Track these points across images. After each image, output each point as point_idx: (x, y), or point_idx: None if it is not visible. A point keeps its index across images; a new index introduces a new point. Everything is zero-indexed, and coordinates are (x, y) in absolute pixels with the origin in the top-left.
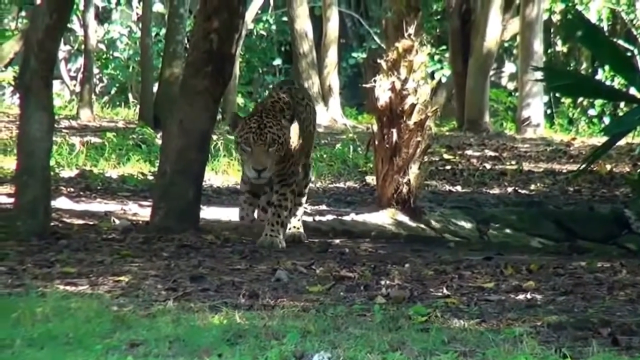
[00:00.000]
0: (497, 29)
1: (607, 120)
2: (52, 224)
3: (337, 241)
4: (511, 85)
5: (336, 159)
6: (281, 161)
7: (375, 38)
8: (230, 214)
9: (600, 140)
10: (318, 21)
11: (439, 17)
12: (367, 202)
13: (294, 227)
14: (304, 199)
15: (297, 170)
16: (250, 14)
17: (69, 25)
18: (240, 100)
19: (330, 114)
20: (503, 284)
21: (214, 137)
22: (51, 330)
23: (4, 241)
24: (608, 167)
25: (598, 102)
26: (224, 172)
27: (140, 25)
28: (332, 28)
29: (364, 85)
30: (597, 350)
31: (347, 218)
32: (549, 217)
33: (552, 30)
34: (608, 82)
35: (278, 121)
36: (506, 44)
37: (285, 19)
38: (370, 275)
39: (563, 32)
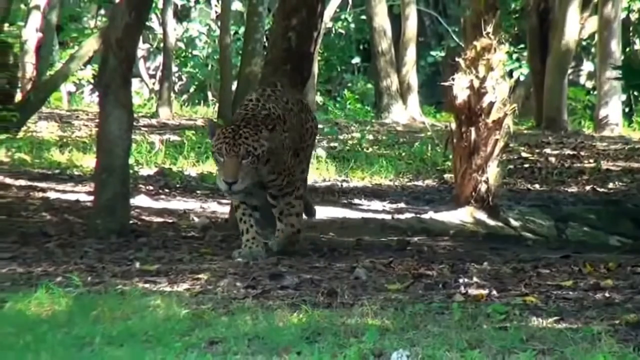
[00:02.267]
0: (575, 27)
1: None
2: (131, 221)
3: (416, 239)
4: (589, 84)
5: (415, 157)
6: (271, 172)
7: (454, 36)
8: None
9: None
10: (397, 19)
11: (517, 15)
12: (446, 201)
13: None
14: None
15: (294, 179)
16: (329, 12)
17: (147, 23)
18: (319, 98)
19: (408, 112)
20: (581, 282)
21: None
22: (130, 328)
23: (83, 239)
24: None
25: None
26: None
27: (219, 23)
28: (411, 26)
29: (442, 84)
30: None
31: (425, 216)
32: (627, 215)
33: (630, 29)
34: None
35: (257, 131)
36: (584, 43)
37: (364, 17)
38: (448, 273)
39: None
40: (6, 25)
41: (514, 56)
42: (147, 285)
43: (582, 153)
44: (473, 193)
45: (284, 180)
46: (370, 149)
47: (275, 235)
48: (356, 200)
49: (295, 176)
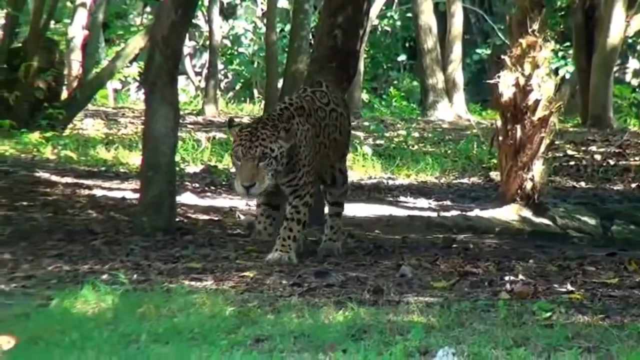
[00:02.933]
0: (620, 25)
1: None
2: (177, 219)
3: (462, 237)
4: (635, 81)
5: (460, 155)
6: (290, 171)
7: (500, 34)
8: (355, 209)
9: None
10: (442, 17)
11: (562, 13)
12: (491, 198)
13: (329, 238)
14: (341, 209)
15: (309, 181)
16: (374, 9)
17: (194, 21)
18: (364, 96)
19: (454, 110)
20: (627, 280)
21: None
22: (176, 326)
23: (129, 236)
24: None
25: None
26: (348, 167)
27: (265, 21)
28: (457, 24)
29: (488, 81)
30: None
31: (471, 214)
32: None
33: None
34: None
35: (274, 132)
36: (630, 40)
37: (409, 14)
38: (494, 271)
39: None
40: (52, 22)
41: (560, 54)
42: (193, 283)
43: (628, 151)
44: (519, 191)
45: (300, 180)
46: (416, 147)
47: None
48: (402, 198)
49: (309, 178)
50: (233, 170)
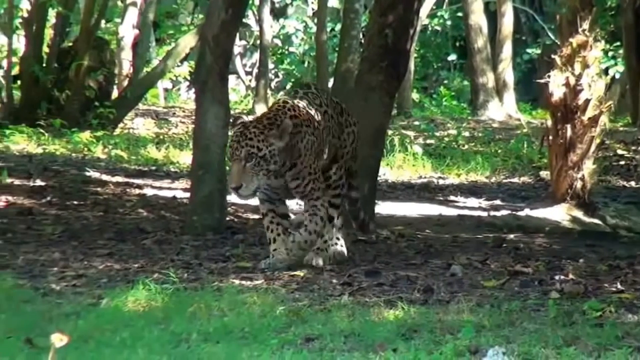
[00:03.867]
0: None
1: None
2: (227, 218)
3: (512, 236)
4: None
5: (511, 154)
6: (295, 177)
7: (550, 34)
8: (405, 209)
9: None
10: (492, 17)
11: (613, 12)
12: (542, 198)
13: (317, 247)
14: (336, 213)
15: (318, 187)
16: (425, 9)
17: (244, 20)
18: (415, 95)
19: (504, 109)
20: None
21: (389, 132)
22: (227, 325)
23: (180, 235)
24: None
25: None
26: (399, 167)
27: (315, 20)
28: (507, 23)
29: (538, 81)
30: None
31: (521, 213)
32: None
33: None
34: None
35: (262, 131)
36: None
37: (460, 14)
38: (544, 270)
39: None
40: (103, 21)
41: (610, 53)
42: (243, 282)
43: None
44: (569, 190)
45: (307, 186)
46: (467, 146)
47: (291, 235)
48: (452, 197)
49: (320, 182)
50: None
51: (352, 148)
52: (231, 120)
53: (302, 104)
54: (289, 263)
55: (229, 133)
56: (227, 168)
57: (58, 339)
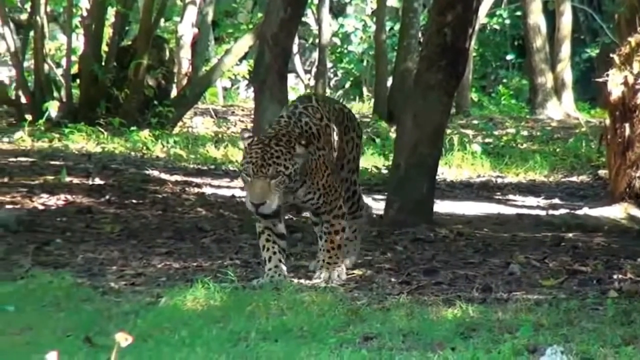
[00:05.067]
0: None
1: None
2: (286, 217)
3: (570, 235)
4: None
5: (569, 153)
6: (307, 192)
7: (608, 33)
8: (464, 208)
9: None
10: (551, 16)
11: None
12: (600, 196)
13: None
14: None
15: (331, 198)
16: (483, 8)
17: (303, 19)
18: (473, 94)
19: (563, 109)
20: None
21: (448, 131)
22: (285, 324)
23: (238, 234)
24: None
25: None
26: (457, 166)
27: (374, 19)
28: (565, 23)
29: (596, 80)
30: None
31: (580, 212)
32: None
33: None
34: None
35: (289, 150)
36: None
37: (518, 13)
38: (602, 269)
39: None
40: (162, 20)
41: None
42: (302, 281)
43: None
44: (627, 189)
45: (319, 199)
46: (525, 145)
47: (316, 258)
48: (511, 196)
49: (332, 195)
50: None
51: (352, 156)
52: (240, 131)
53: (304, 120)
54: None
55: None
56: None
57: (123, 339)
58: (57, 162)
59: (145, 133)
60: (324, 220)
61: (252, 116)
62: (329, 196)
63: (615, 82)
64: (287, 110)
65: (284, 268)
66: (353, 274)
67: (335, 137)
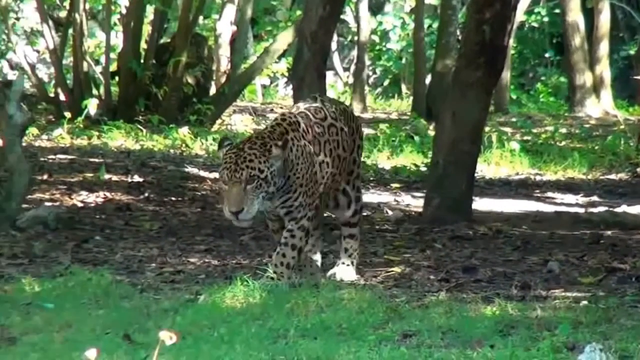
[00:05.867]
0: None
1: None
2: (325, 214)
3: (609, 233)
4: None
5: (607, 151)
6: (286, 192)
7: None
8: (503, 205)
9: None
10: (590, 14)
11: None
12: (639, 194)
13: (342, 262)
14: (354, 230)
15: (307, 203)
16: (522, 5)
17: (342, 16)
18: (512, 92)
19: (601, 106)
20: None
21: (486, 128)
22: (324, 321)
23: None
24: None
25: None
26: (496, 163)
27: (413, 16)
28: (604, 20)
29: (635, 78)
30: None
31: (618, 210)
32: None
33: None
34: None
35: (263, 152)
36: None
37: (557, 11)
38: None
39: None
40: (201, 18)
41: None
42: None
43: None
44: None
45: (295, 201)
46: (564, 143)
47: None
48: (549, 194)
49: (309, 198)
50: (387, 165)
51: (353, 159)
52: (219, 140)
53: (299, 119)
54: None
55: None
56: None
57: (167, 337)
58: (96, 160)
59: (184, 130)
60: (287, 228)
61: None
62: (305, 198)
63: None
64: (289, 110)
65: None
66: (392, 271)
67: (345, 140)
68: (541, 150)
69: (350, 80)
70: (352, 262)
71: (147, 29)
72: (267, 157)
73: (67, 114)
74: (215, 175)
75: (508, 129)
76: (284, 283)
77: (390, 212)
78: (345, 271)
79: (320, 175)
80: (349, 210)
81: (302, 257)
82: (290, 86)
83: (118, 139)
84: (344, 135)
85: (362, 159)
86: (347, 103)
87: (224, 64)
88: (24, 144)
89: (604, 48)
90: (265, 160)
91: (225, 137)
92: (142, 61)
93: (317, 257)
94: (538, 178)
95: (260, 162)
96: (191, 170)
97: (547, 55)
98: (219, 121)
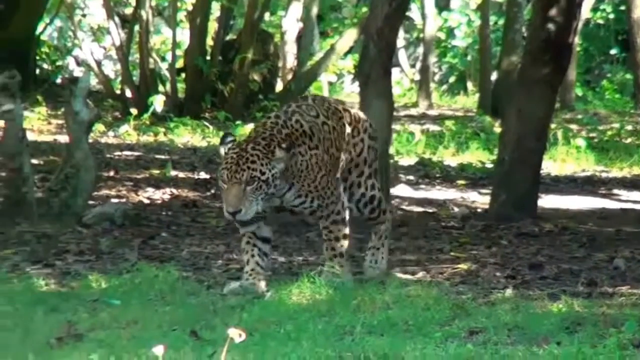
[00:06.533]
0: None
1: None
2: (391, 211)
3: None
4: None
5: None
6: (297, 195)
7: None
8: (569, 202)
9: None
10: None
11: None
12: None
13: (370, 262)
14: (383, 218)
15: (328, 202)
16: (587, 2)
17: (407, 13)
18: (578, 89)
19: None
20: None
21: (552, 125)
22: (391, 317)
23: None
24: None
25: None
26: (562, 160)
27: (478, 13)
28: None
29: None
30: None
31: None
32: None
33: None
34: None
35: (266, 154)
36: None
37: (622, 7)
38: None
39: None
40: (267, 15)
41: None
42: (407, 275)
43: None
44: None
45: (312, 203)
46: (630, 140)
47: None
48: (615, 191)
49: (328, 198)
50: (453, 162)
51: (363, 159)
52: (222, 136)
53: (294, 118)
54: (260, 289)
55: (391, 126)
56: (391, 161)
57: (236, 334)
58: (163, 156)
59: (250, 127)
60: (322, 227)
61: None
62: (324, 199)
63: None
64: (280, 110)
65: (262, 271)
66: (458, 268)
67: (337, 139)
68: (607, 147)
69: (416, 77)
70: (382, 244)
71: (213, 26)
72: (270, 158)
73: (133, 111)
74: None
75: (574, 126)
76: (344, 273)
77: (456, 209)
78: (372, 273)
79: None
80: (364, 211)
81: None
82: (357, 83)
83: (184, 135)
84: (335, 135)
85: (425, 156)
86: (413, 100)
87: (290, 61)
88: (90, 141)
89: None
90: (267, 162)
91: (228, 132)
92: (208, 58)
93: None
94: (604, 175)
95: (263, 164)
96: None
97: (612, 52)
98: None
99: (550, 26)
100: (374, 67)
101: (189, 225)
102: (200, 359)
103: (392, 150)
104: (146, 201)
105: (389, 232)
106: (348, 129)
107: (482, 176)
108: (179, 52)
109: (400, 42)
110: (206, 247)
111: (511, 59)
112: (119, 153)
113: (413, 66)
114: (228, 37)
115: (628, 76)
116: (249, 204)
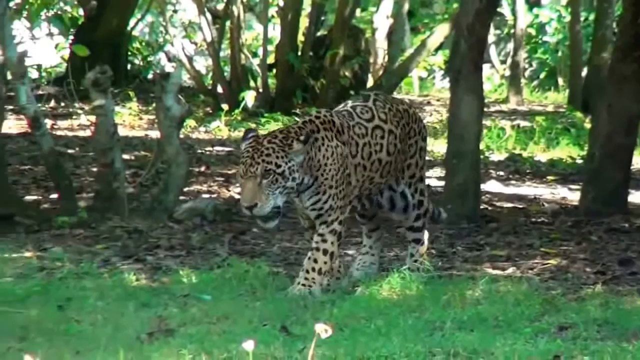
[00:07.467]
0: None
1: None
2: (481, 207)
3: None
4: None
5: None
6: (314, 193)
7: None
8: None
9: None
10: None
11: None
12: None
13: (408, 268)
14: (419, 235)
15: (337, 206)
16: None
17: (498, 9)
18: None
19: None
20: None
21: None
22: (480, 313)
23: (434, 224)
24: None
25: None
26: None
27: (569, 9)
28: None
29: None
30: None
31: None
32: None
33: None
34: None
35: (282, 146)
36: None
37: None
38: None
39: None
40: (358, 10)
41: None
42: (497, 271)
43: None
44: None
45: (325, 204)
46: None
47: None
48: None
49: (341, 200)
50: (543, 158)
51: (415, 161)
52: (244, 132)
53: (335, 119)
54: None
55: (482, 122)
56: (482, 157)
57: (322, 330)
58: None
59: None
60: (318, 232)
61: (448, 106)
62: (335, 200)
63: None
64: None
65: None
66: (548, 263)
67: (392, 143)
68: None
69: (507, 73)
70: (417, 268)
71: (304, 22)
72: (286, 151)
73: (225, 106)
74: None
75: None
76: (316, 290)
77: (546, 205)
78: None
79: (354, 178)
80: (410, 215)
81: (335, 263)
82: (447, 79)
83: None
84: (391, 139)
85: (515, 152)
86: (504, 96)
87: (381, 57)
88: (181, 136)
89: None
90: (284, 155)
91: (250, 129)
92: (299, 54)
93: (375, 259)
94: None
95: (278, 157)
96: None
97: None
98: None
99: None
100: (465, 63)
101: (281, 220)
102: (291, 354)
103: (482, 146)
104: (237, 196)
105: (422, 256)
106: (406, 130)
107: (572, 172)
108: (270, 48)
109: (491, 38)
110: (297, 243)
111: (602, 55)
112: (210, 148)
113: (504, 62)
114: (319, 33)
115: None
116: (265, 198)
